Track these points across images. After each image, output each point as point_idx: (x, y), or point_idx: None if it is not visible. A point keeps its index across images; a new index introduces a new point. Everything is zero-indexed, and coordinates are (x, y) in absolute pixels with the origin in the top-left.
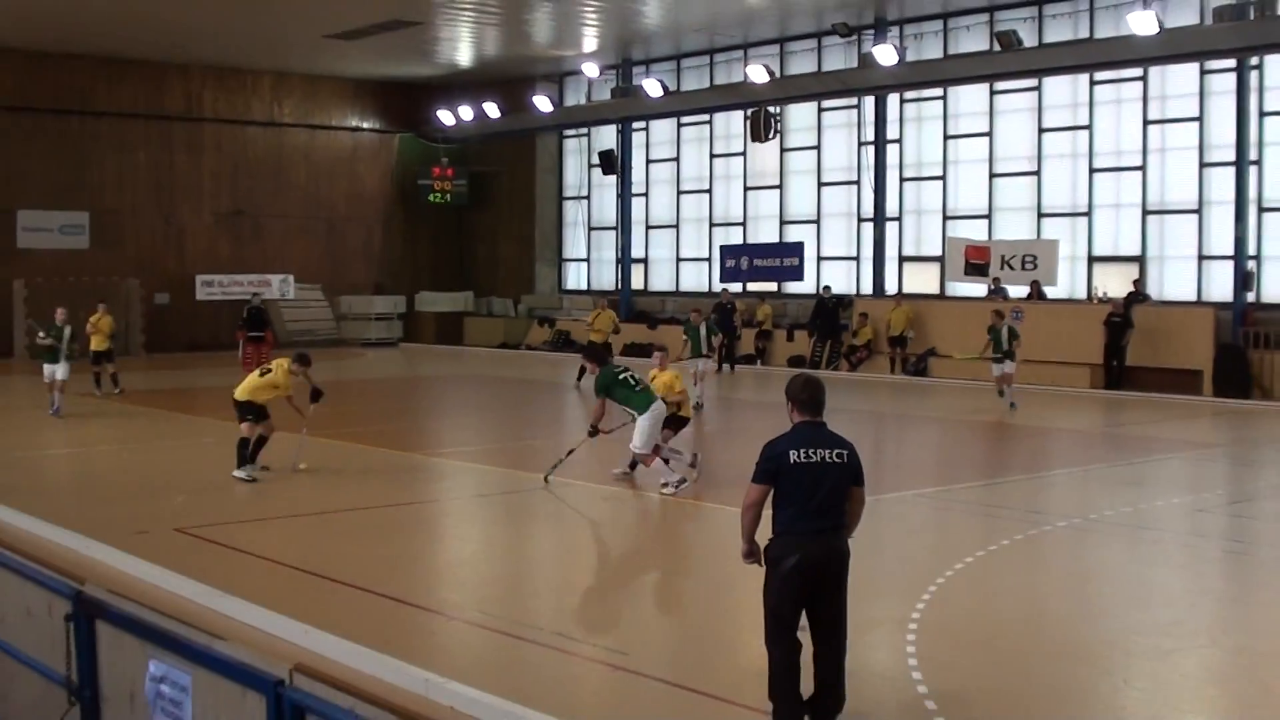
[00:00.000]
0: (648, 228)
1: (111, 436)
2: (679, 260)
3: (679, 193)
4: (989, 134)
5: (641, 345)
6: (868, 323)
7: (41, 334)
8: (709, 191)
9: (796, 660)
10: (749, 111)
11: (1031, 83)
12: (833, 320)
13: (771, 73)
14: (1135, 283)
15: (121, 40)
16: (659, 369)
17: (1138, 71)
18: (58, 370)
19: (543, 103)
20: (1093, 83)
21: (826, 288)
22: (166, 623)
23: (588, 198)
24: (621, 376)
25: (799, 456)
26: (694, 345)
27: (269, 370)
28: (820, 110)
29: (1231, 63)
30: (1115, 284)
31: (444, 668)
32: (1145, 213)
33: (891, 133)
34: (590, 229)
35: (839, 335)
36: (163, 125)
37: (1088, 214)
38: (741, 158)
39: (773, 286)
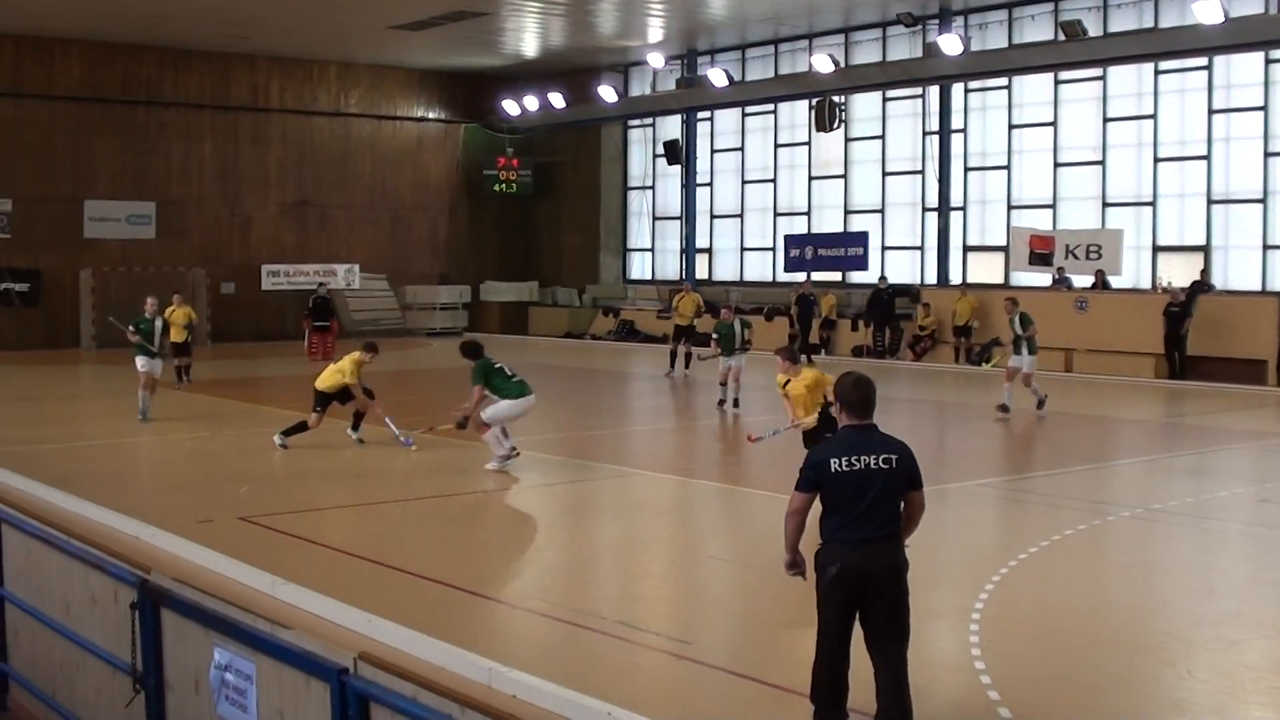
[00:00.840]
0: (712, 217)
1: (177, 426)
2: (743, 250)
3: (743, 182)
4: (1053, 123)
5: (705, 334)
6: (931, 312)
7: (131, 328)
8: (773, 181)
9: (841, 671)
10: (814, 101)
11: (1096, 72)
12: (888, 310)
13: (836, 62)
14: (1202, 272)
15: (188, 31)
16: (788, 369)
17: (1203, 61)
18: (156, 366)
19: (608, 93)
20: (1157, 72)
21: (882, 278)
22: (231, 611)
23: (652, 188)
24: (497, 366)
25: (840, 465)
26: (725, 344)
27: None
28: (885, 100)
29: None
30: (1180, 274)
31: (507, 656)
32: (1210, 202)
33: (956, 122)
34: (655, 219)
35: (895, 325)
36: (229, 115)
37: (1152, 203)
38: (806, 147)
39: (837, 276)
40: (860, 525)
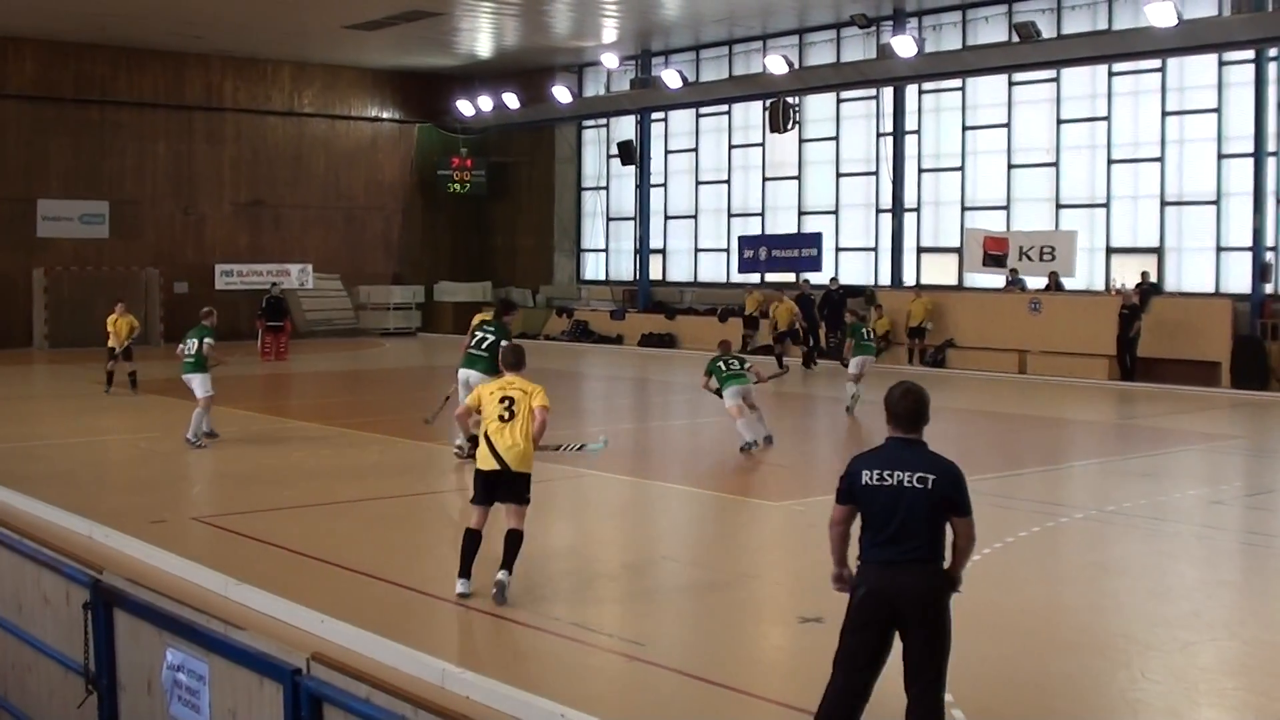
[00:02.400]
0: (666, 218)
1: (129, 426)
2: (697, 251)
3: (697, 183)
4: (1007, 125)
5: (660, 335)
6: (884, 314)
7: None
8: (727, 182)
9: (850, 701)
10: (768, 102)
11: (1050, 74)
12: (840, 311)
13: (790, 64)
14: (1144, 274)
15: (142, 30)
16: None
17: (1156, 63)
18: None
19: (562, 93)
20: (1111, 74)
21: (834, 278)
22: (184, 611)
23: (606, 188)
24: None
25: (871, 478)
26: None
27: None
28: (839, 101)
29: (1250, 54)
30: (1133, 275)
31: (461, 657)
32: (1163, 204)
33: (910, 124)
34: (609, 219)
35: (845, 326)
36: (183, 115)
37: (1106, 205)
38: (760, 148)
39: (790, 277)
40: (890, 546)
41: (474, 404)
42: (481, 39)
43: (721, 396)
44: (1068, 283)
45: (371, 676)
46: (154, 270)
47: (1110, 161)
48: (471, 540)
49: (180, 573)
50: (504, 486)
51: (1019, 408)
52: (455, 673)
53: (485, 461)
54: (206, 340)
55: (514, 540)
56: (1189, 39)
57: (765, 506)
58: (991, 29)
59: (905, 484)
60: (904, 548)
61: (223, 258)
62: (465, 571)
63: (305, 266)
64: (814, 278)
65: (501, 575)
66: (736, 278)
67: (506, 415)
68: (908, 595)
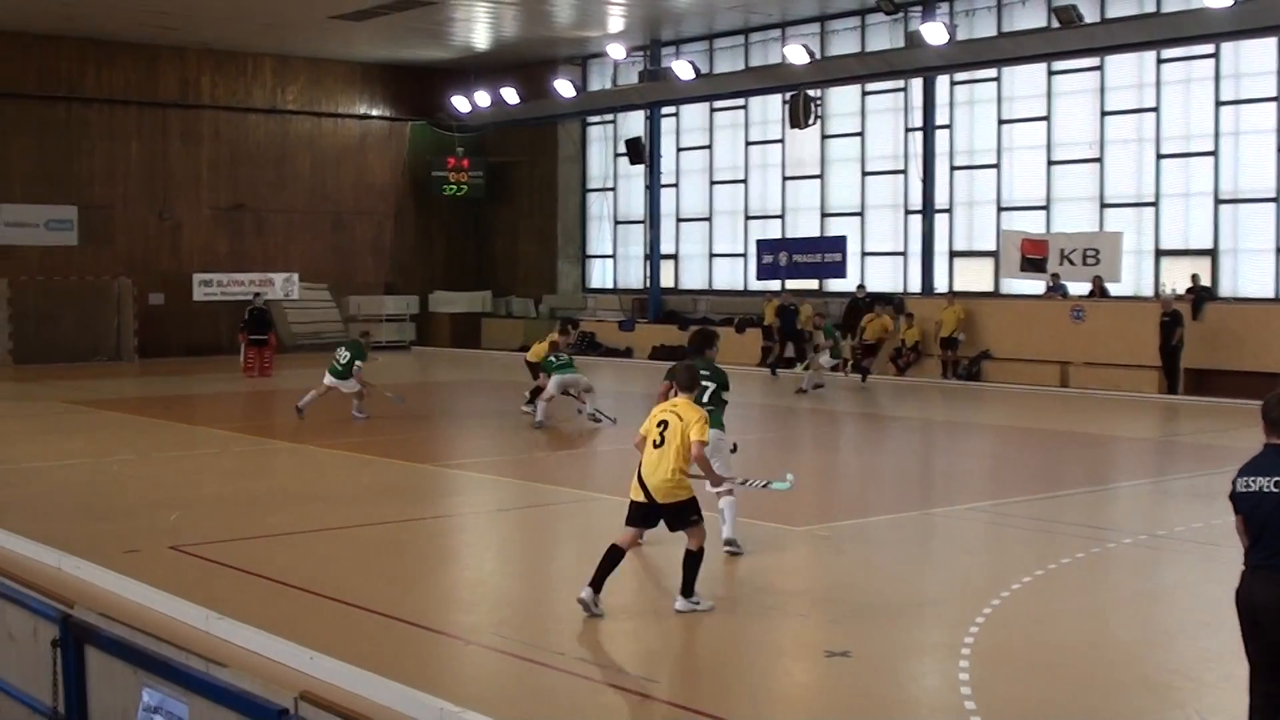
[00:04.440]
0: (678, 221)
1: (101, 448)
2: (712, 256)
3: (712, 183)
4: (1047, 118)
5: (671, 348)
6: (914, 323)
7: None
8: (744, 182)
9: (1262, 705)
10: (787, 95)
11: (1093, 62)
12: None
13: (811, 53)
14: (1194, 277)
15: (111, 21)
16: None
17: (1209, 48)
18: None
19: (565, 87)
20: (1160, 61)
21: (860, 286)
22: (161, 648)
23: (613, 189)
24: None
25: (1242, 485)
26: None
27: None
28: (864, 94)
29: None
30: (1185, 280)
31: (460, 696)
32: (1218, 202)
33: (941, 118)
34: (616, 223)
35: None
36: (156, 113)
37: (1154, 204)
38: (779, 145)
39: (814, 284)
40: (1254, 552)
41: (646, 433)
42: (478, 30)
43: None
44: (1113, 288)
45: (363, 716)
46: (126, 280)
47: (1159, 156)
48: (610, 554)
49: (157, 606)
50: (662, 516)
51: (1061, 424)
52: (454, 712)
53: (635, 491)
54: (358, 363)
55: (688, 562)
56: (1245, 21)
57: (787, 532)
58: (1029, 13)
59: (1265, 490)
60: (1263, 554)
61: (201, 266)
62: (593, 581)
63: (290, 275)
64: (838, 284)
65: (679, 603)
66: (755, 285)
67: (659, 441)
68: (1263, 602)
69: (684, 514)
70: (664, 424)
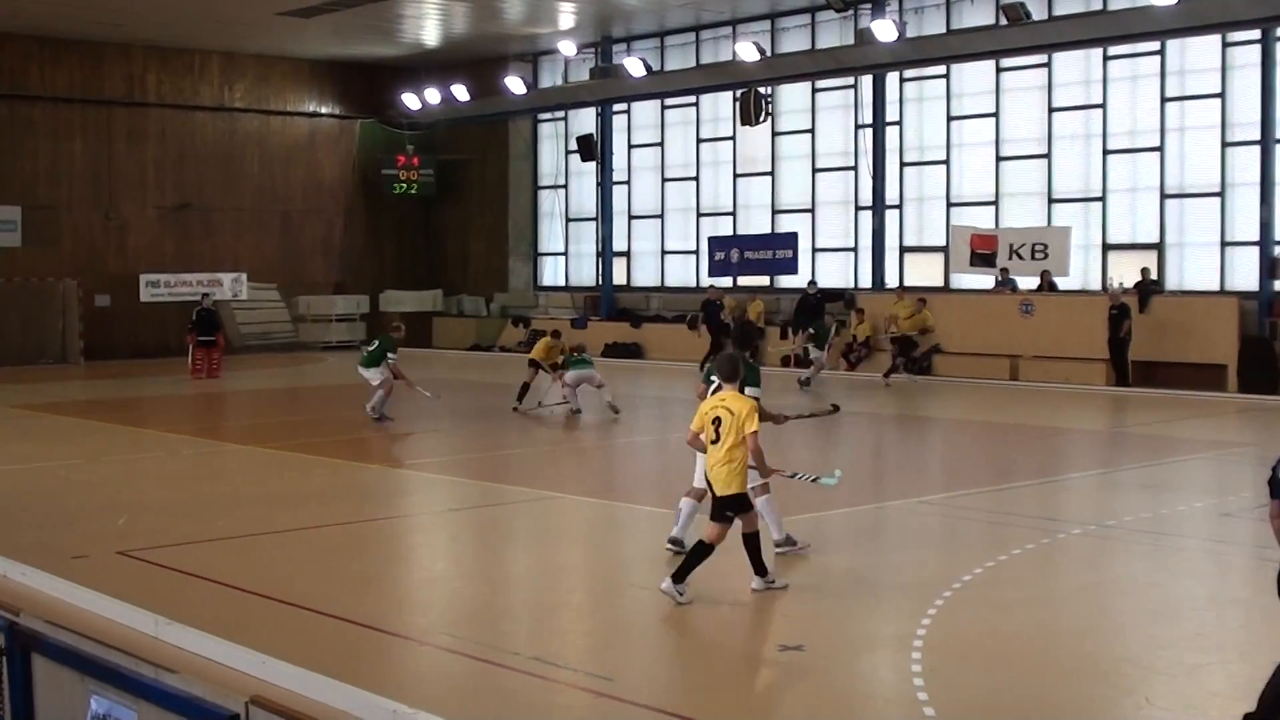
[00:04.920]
0: (630, 218)
1: (48, 453)
2: (664, 253)
3: (663, 180)
4: (995, 114)
5: (625, 345)
6: (865, 318)
7: None
8: (696, 179)
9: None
10: (738, 93)
11: (1041, 59)
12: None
13: (762, 51)
14: (1143, 271)
15: (55, 17)
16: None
17: (1155, 45)
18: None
19: (515, 84)
20: (1106, 58)
21: (811, 282)
22: (109, 655)
23: (565, 187)
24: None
25: None
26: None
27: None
28: (814, 91)
29: (1256, 34)
30: (1131, 274)
31: (413, 698)
32: (1164, 197)
33: (891, 114)
34: (568, 220)
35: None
36: (102, 111)
37: (1102, 199)
38: (730, 142)
39: (765, 280)
40: None
41: (698, 428)
42: (428, 26)
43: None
44: (1061, 282)
45: None
46: (72, 282)
47: (1106, 152)
48: (697, 549)
49: (105, 612)
50: (725, 506)
51: (1011, 416)
52: (408, 714)
53: (703, 481)
54: (390, 355)
55: (748, 545)
56: (1190, 18)
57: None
58: (977, 11)
59: None
60: None
61: (148, 267)
62: (677, 574)
63: (239, 275)
64: (789, 280)
65: (755, 583)
66: (707, 282)
67: (714, 437)
68: None
69: (738, 505)
70: (718, 420)
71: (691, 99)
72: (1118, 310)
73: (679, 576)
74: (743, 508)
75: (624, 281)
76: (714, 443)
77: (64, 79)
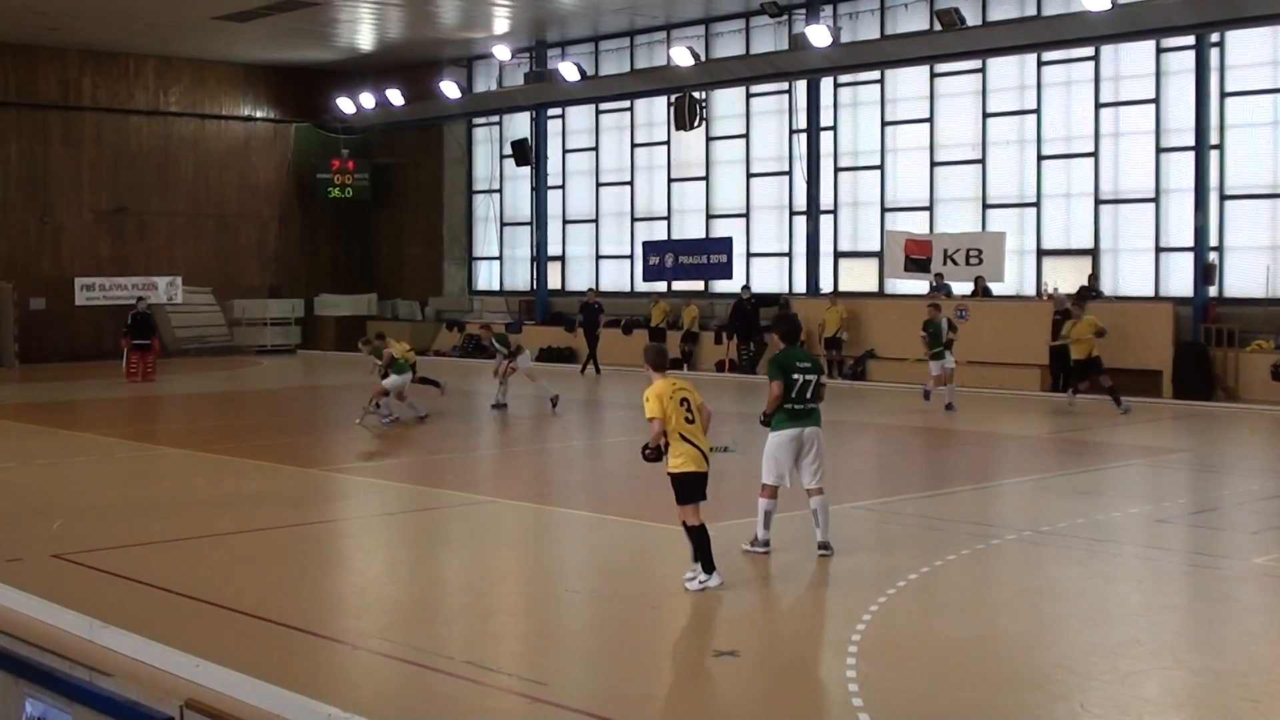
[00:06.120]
0: (565, 223)
1: None
2: (599, 258)
3: (598, 185)
4: (929, 120)
5: (559, 349)
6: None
7: None
8: (630, 183)
9: None
10: (672, 97)
11: (975, 64)
12: (752, 322)
13: (696, 55)
14: (1090, 277)
15: None
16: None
17: (1089, 51)
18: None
19: (450, 89)
20: (1040, 63)
21: (745, 287)
22: (44, 658)
23: (499, 191)
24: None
25: None
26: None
27: None
28: (749, 96)
29: (1190, 40)
30: (1067, 279)
31: (348, 701)
32: (1098, 202)
33: (825, 119)
34: (503, 225)
35: (761, 337)
36: (36, 114)
37: (1036, 204)
38: (665, 147)
39: (699, 285)
40: None
41: (661, 414)
42: (362, 31)
43: None
44: (996, 288)
45: None
46: (6, 284)
47: (1040, 157)
48: (706, 534)
49: (39, 615)
50: (706, 484)
51: (945, 422)
52: (342, 718)
53: (700, 463)
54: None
55: (707, 535)
56: (1124, 24)
57: (674, 532)
58: (912, 17)
59: None
60: None
61: (83, 270)
62: (713, 563)
63: (174, 279)
64: (724, 285)
65: (717, 580)
66: (641, 286)
67: (690, 417)
68: None
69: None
70: (687, 401)
71: (626, 104)
72: (1061, 315)
73: (708, 567)
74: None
75: (559, 286)
76: (691, 423)
77: None
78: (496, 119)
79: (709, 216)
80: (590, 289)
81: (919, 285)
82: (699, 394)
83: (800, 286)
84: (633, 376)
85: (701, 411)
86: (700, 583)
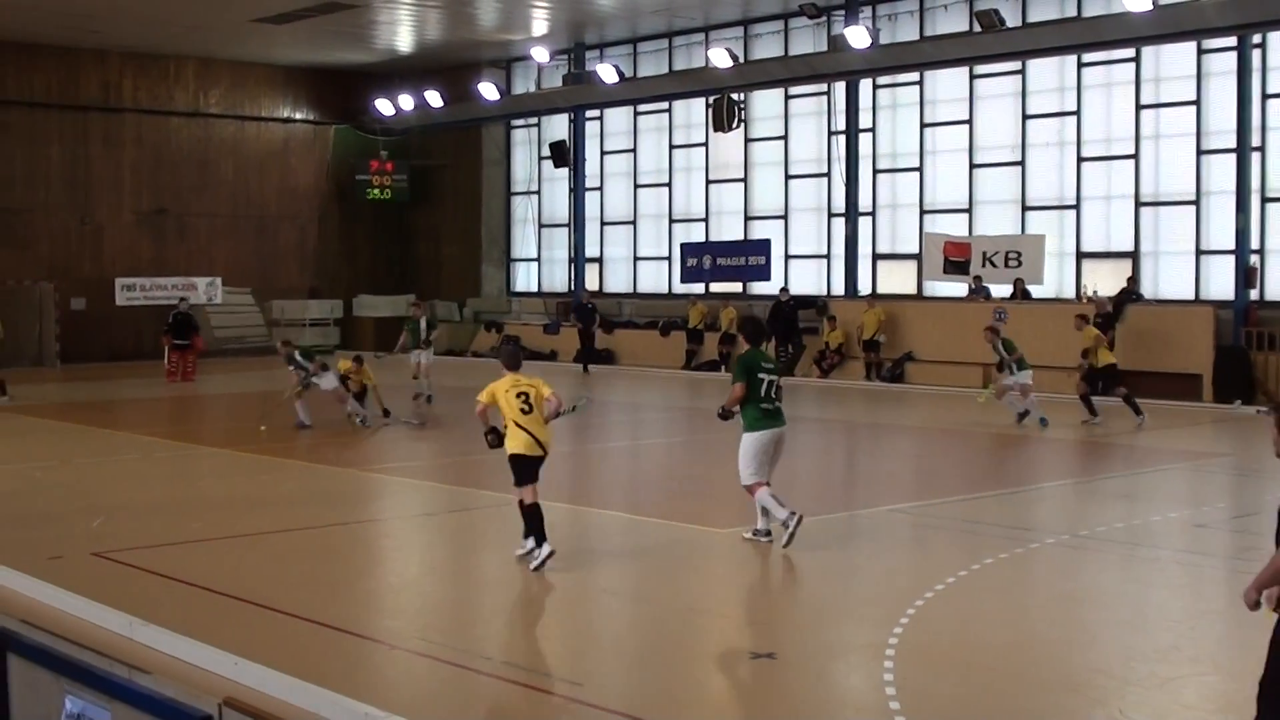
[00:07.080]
0: (602, 224)
1: (22, 454)
2: (636, 259)
3: (636, 187)
4: (969, 121)
5: (597, 350)
6: (838, 326)
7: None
8: (668, 185)
9: None
10: (711, 99)
11: (1015, 66)
12: (790, 324)
13: (735, 57)
14: (1129, 280)
15: (33, 22)
16: None
17: (1130, 52)
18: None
19: (489, 91)
20: (1081, 65)
21: (784, 289)
22: (84, 655)
23: (538, 193)
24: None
25: None
26: (412, 336)
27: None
28: (787, 97)
29: (1232, 41)
30: (1106, 282)
31: (385, 701)
32: (1138, 205)
33: (864, 121)
34: (541, 226)
35: (798, 339)
36: (78, 116)
37: (1076, 207)
38: (703, 149)
39: (738, 287)
40: None
41: (490, 402)
42: (401, 33)
43: None
44: (1035, 290)
45: None
46: (48, 285)
47: (1080, 159)
48: (539, 511)
49: (80, 613)
50: (539, 466)
51: (984, 425)
52: (380, 717)
53: (531, 448)
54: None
55: (539, 512)
56: (1165, 25)
57: (711, 534)
58: (951, 18)
59: None
60: None
61: (124, 271)
62: (545, 535)
63: (214, 280)
64: (762, 287)
65: (547, 550)
66: (679, 288)
67: (526, 408)
68: None
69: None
70: (524, 394)
71: (664, 105)
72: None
73: (540, 540)
74: None
75: (596, 287)
76: (527, 413)
77: (41, 84)
78: (535, 120)
79: (747, 218)
80: (584, 289)
81: (958, 288)
82: (549, 388)
83: (839, 288)
84: (655, 378)
85: (543, 404)
86: (537, 557)
